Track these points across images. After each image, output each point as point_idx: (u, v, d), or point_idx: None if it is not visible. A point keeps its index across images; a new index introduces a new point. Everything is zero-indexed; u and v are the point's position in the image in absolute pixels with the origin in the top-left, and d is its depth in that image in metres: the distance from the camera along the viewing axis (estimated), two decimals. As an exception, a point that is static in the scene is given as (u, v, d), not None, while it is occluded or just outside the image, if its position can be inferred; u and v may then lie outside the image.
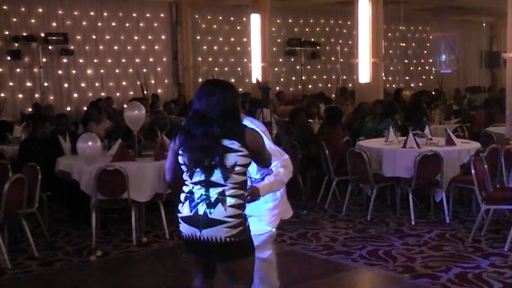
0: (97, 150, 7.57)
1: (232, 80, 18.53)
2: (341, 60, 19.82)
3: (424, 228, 8.21)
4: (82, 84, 16.52)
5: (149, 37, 17.69)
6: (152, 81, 17.37)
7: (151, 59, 17.74)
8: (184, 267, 6.96)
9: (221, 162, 3.94)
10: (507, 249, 7.11)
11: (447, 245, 7.48)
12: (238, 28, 19.18)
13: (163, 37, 18.00)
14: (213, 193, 3.98)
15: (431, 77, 23.36)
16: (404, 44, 22.62)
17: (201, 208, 3.97)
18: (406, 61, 23.00)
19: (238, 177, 4.01)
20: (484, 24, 22.79)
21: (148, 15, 17.64)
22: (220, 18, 19.05)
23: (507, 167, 7.99)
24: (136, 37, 17.42)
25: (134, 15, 17.36)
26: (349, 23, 19.67)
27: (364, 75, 13.23)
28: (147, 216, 8.59)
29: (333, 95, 17.39)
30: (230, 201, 3.98)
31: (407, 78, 22.85)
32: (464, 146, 9.04)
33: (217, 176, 3.97)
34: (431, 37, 23.51)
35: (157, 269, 7.07)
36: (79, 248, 7.68)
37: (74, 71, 16.33)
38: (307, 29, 20.70)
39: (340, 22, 21.13)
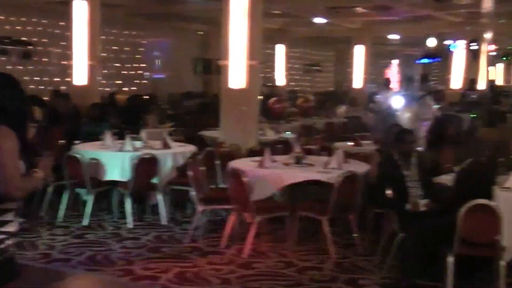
0: None
1: None
2: (55, 61, 19.28)
3: (142, 231, 8.23)
4: None
5: None
6: None
7: None
8: None
9: None
10: (224, 246, 7.40)
11: (165, 246, 7.57)
12: None
13: None
14: None
15: (144, 81, 23.61)
16: (117, 48, 22.61)
17: None
18: (119, 64, 23.00)
19: None
20: (198, 32, 23.55)
21: None
22: None
23: (222, 169, 8.30)
24: None
25: None
26: (62, 23, 19.17)
27: (80, 77, 13.01)
28: None
29: (47, 98, 16.80)
30: None
31: (120, 81, 22.85)
32: (180, 149, 9.22)
33: None
34: (145, 42, 23.75)
35: None
36: None
37: None
38: (18, 27, 19.83)
39: (53, 22, 20.53)
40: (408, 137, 7.04)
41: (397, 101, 15.80)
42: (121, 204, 8.84)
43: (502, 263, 5.91)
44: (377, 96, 18.61)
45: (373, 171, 7.54)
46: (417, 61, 24.08)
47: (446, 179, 7.11)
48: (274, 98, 15.48)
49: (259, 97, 11.29)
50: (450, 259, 5.90)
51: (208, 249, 7.41)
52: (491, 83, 22.65)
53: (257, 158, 8.03)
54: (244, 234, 7.40)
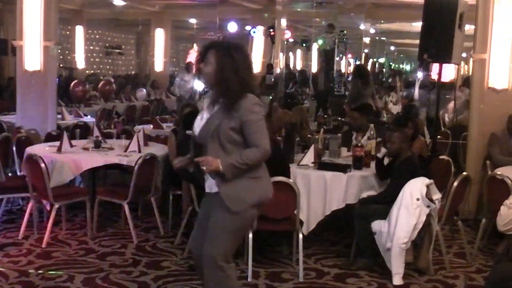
0: None
1: None
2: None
3: None
4: None
5: None
6: None
7: None
8: None
9: None
10: (22, 237, 7.14)
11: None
12: None
13: None
14: None
15: None
16: None
17: None
18: None
19: None
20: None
21: None
22: None
23: (19, 155, 8.03)
24: None
25: None
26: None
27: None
28: None
29: None
30: None
31: None
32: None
33: None
34: None
35: None
36: None
37: None
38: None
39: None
40: None
41: (197, 85, 16.14)
42: None
43: (300, 236, 6.27)
44: (176, 80, 18.83)
45: (171, 151, 7.63)
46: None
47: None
48: (75, 81, 15.16)
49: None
50: (250, 235, 6.09)
51: (5, 241, 7.08)
52: (300, 69, 23.42)
53: (55, 143, 7.87)
54: (43, 223, 7.22)
